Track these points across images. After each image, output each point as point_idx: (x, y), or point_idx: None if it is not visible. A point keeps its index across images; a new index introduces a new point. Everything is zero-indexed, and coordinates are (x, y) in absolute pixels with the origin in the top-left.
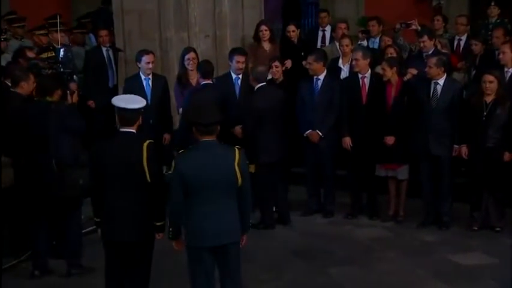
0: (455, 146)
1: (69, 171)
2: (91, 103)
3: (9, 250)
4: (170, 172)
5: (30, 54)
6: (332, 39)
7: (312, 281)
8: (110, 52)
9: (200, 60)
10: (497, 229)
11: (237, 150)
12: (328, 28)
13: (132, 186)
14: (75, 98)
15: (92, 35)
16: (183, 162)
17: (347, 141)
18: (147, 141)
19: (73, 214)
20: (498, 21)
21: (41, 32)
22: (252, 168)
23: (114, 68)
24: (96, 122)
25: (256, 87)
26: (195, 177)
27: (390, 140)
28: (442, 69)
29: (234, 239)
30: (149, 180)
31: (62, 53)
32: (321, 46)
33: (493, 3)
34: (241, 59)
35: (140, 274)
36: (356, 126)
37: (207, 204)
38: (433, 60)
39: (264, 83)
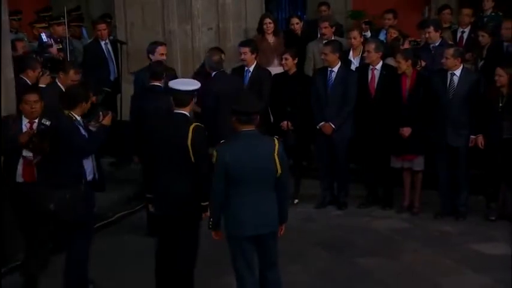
0: (471, 136)
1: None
2: (93, 99)
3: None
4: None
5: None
6: None
7: (341, 272)
8: (109, 45)
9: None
10: None
11: (276, 140)
12: None
13: (178, 165)
14: (107, 120)
15: (83, 28)
16: (226, 152)
17: None
18: (194, 124)
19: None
20: (493, 14)
21: (42, 25)
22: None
23: (114, 61)
24: None
25: (212, 75)
26: (237, 167)
27: (407, 131)
28: (459, 60)
29: (272, 228)
30: (193, 160)
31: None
32: None
33: None
34: (242, 50)
35: (185, 249)
36: (364, 117)
37: (247, 194)
38: (450, 51)
39: (220, 70)
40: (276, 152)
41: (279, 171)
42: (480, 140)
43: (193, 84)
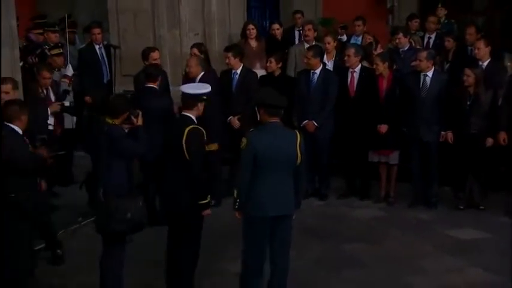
0: (442, 132)
1: (116, 203)
2: (88, 99)
3: None
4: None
5: None
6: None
7: (331, 257)
8: (103, 49)
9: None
10: (481, 207)
11: (298, 132)
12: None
13: (178, 164)
14: (140, 120)
15: (75, 35)
16: (257, 138)
17: None
18: (192, 126)
19: (113, 251)
20: (446, 21)
21: (38, 31)
22: (214, 147)
23: (107, 65)
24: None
25: (199, 76)
26: (265, 154)
27: (384, 128)
28: (431, 62)
29: (290, 211)
30: (188, 158)
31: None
32: None
33: (439, 5)
34: (225, 55)
35: (186, 241)
36: (345, 116)
37: (270, 179)
38: (424, 54)
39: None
40: (299, 143)
41: (299, 159)
42: (450, 135)
43: (201, 88)
